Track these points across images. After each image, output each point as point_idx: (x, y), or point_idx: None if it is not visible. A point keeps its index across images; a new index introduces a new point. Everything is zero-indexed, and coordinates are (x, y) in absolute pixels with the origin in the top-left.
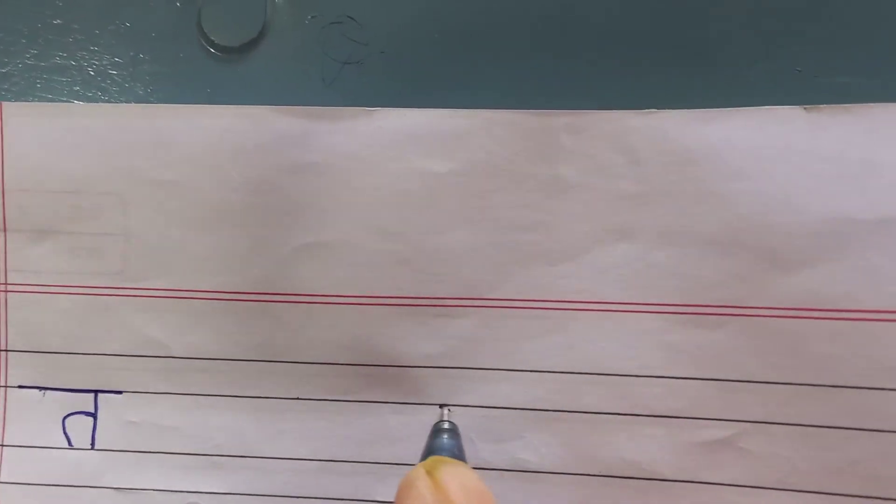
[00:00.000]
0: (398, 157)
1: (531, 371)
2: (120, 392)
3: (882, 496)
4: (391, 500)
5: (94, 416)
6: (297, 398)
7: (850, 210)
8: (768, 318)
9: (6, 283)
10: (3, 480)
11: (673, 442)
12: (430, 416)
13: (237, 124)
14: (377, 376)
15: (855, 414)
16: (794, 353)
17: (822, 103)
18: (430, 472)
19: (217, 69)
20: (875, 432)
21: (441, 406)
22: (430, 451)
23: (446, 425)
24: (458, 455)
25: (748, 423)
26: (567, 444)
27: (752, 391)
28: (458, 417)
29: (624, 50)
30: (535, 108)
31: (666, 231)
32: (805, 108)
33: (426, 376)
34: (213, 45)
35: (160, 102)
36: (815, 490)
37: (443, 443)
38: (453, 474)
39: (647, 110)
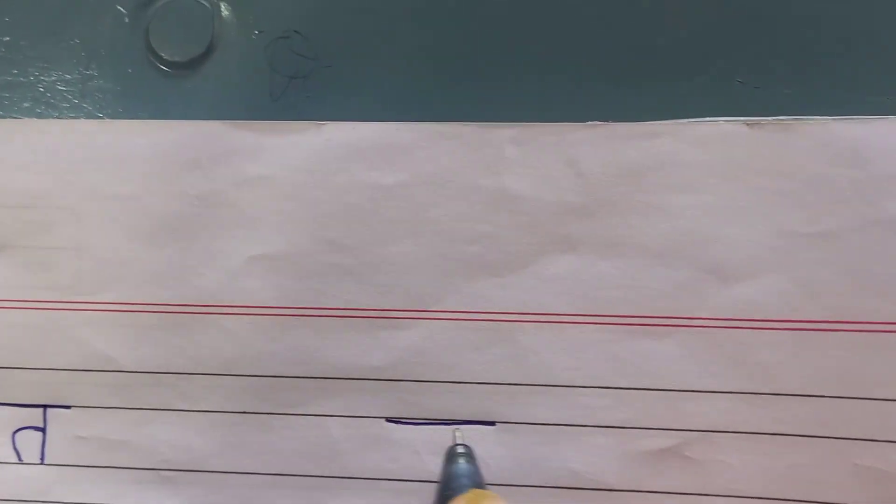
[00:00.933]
0: (346, 170)
1: (477, 383)
2: (69, 407)
3: (822, 500)
4: None
5: (43, 430)
6: (245, 412)
7: (790, 224)
8: (711, 329)
9: None
10: None
11: (619, 451)
12: (376, 429)
13: (189, 138)
14: (324, 389)
15: (794, 421)
16: (737, 363)
17: (764, 114)
18: None
19: (166, 85)
20: (814, 438)
21: (454, 429)
22: (448, 476)
23: (461, 449)
24: (478, 479)
25: (692, 432)
26: (514, 456)
27: (697, 400)
28: (404, 430)
29: (569, 63)
30: (481, 120)
31: (611, 243)
32: (747, 125)
33: (373, 388)
34: (161, 60)
35: (110, 118)
36: (758, 496)
37: (461, 468)
38: None
39: (591, 122)
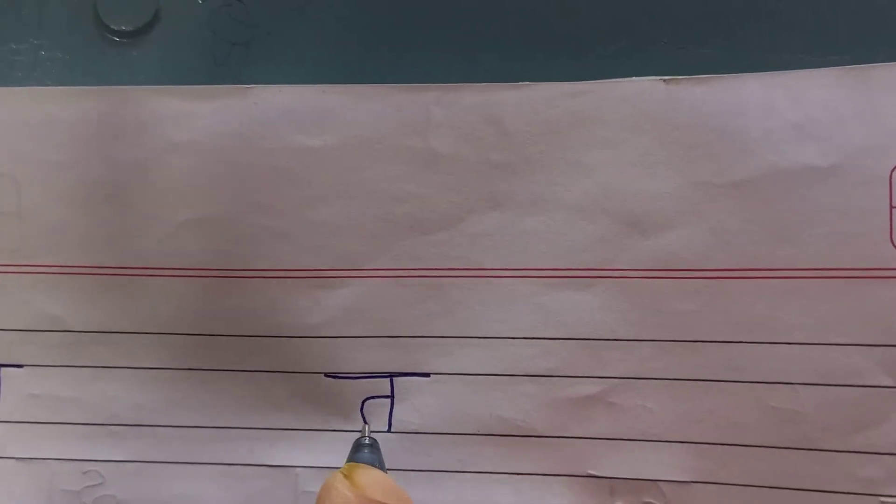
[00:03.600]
0: (274, 134)
1: (410, 337)
2: (21, 366)
3: (738, 443)
4: (281, 463)
5: None
6: (189, 368)
7: (704, 175)
8: (631, 280)
9: None
10: None
11: (546, 399)
12: (315, 384)
13: (120, 105)
14: (262, 347)
15: (712, 367)
16: (656, 312)
17: (688, 73)
18: (347, 476)
19: (113, 53)
20: (730, 383)
21: (364, 425)
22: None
23: (367, 440)
24: (381, 468)
25: (616, 379)
26: (447, 405)
27: (619, 348)
28: (342, 385)
29: (495, 25)
30: (410, 82)
31: (535, 199)
32: (664, 80)
33: (309, 346)
34: (108, 30)
35: (57, 86)
36: (678, 440)
37: (364, 457)
38: (369, 476)
39: (514, 83)
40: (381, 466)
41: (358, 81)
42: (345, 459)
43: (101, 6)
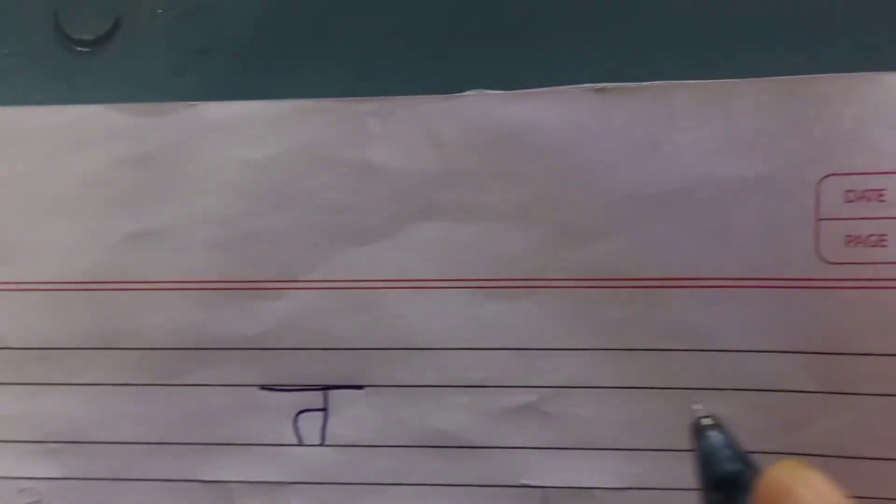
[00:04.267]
0: (217, 147)
1: (346, 349)
2: None
3: (670, 448)
4: (215, 479)
5: None
6: (127, 384)
7: (636, 185)
8: (565, 289)
9: None
10: None
11: (481, 409)
12: (250, 397)
13: (72, 123)
14: (200, 359)
15: (644, 374)
16: (589, 320)
17: (642, 79)
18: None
19: (73, 62)
20: (660, 390)
21: (693, 403)
22: (709, 450)
23: (710, 420)
24: (738, 448)
25: (550, 388)
26: (382, 417)
27: (553, 357)
28: (276, 398)
29: (437, 34)
30: (365, 94)
31: (469, 209)
32: (595, 89)
33: (245, 358)
34: (68, 38)
35: (19, 95)
36: (611, 447)
37: (716, 441)
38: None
39: (448, 95)
40: (741, 448)
41: (314, 89)
42: (281, 474)
43: (62, 15)
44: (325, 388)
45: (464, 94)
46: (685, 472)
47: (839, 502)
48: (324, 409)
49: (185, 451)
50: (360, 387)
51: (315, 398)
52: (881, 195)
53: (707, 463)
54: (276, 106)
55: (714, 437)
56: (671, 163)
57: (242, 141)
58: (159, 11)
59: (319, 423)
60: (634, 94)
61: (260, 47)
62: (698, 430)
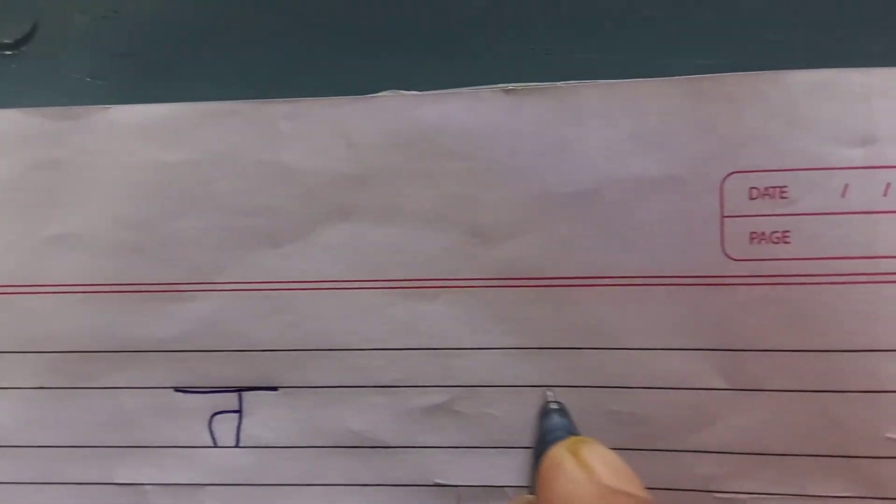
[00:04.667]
0: (132, 150)
1: (260, 350)
2: None
3: None
4: (130, 481)
5: None
6: (42, 387)
7: (547, 185)
8: (477, 288)
9: None
10: None
11: (395, 410)
12: (165, 399)
13: None
14: (116, 362)
15: (556, 372)
16: (502, 319)
17: (555, 79)
18: (573, 452)
19: None
20: (573, 388)
21: (545, 389)
22: (544, 431)
23: (555, 405)
24: (574, 431)
25: (462, 388)
26: (297, 418)
27: (465, 357)
28: (191, 400)
29: (360, 35)
30: (279, 96)
31: (383, 210)
32: (505, 91)
33: (160, 360)
34: None
35: None
36: (523, 445)
37: (556, 422)
38: (596, 453)
39: (361, 96)
40: (575, 429)
41: (237, 94)
42: (195, 476)
43: None
44: (240, 389)
45: (377, 94)
46: None
47: (605, 474)
48: (238, 411)
49: (101, 453)
50: (274, 388)
51: (230, 400)
52: (783, 192)
53: (541, 440)
54: (188, 108)
55: (554, 419)
56: (580, 163)
57: (156, 144)
58: (77, 15)
59: (234, 424)
60: (544, 94)
61: (176, 50)
62: (544, 412)
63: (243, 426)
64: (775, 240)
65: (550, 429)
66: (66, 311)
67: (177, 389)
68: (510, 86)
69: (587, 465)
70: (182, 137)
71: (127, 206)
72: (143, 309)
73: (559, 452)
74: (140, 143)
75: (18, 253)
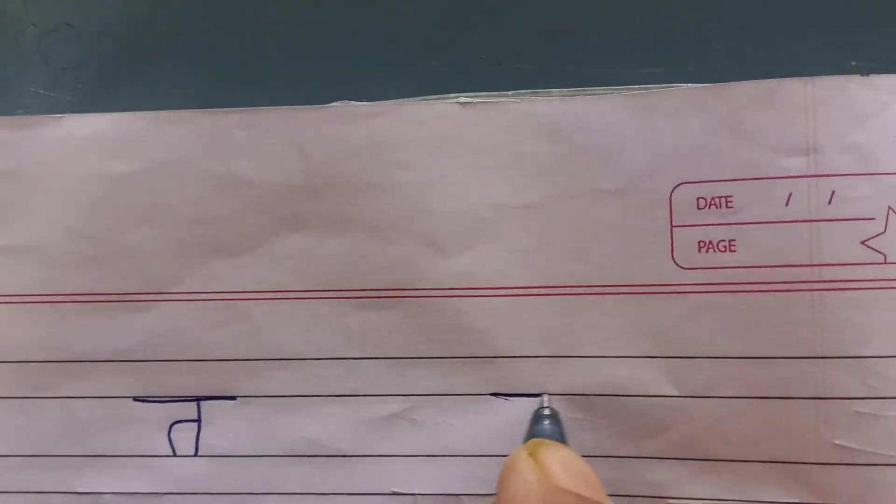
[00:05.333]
0: (84, 161)
1: (217, 360)
2: None
3: None
4: (89, 490)
5: None
6: (1, 397)
7: (499, 197)
8: (432, 299)
9: None
10: None
11: (351, 419)
12: (123, 408)
13: None
14: (72, 372)
15: (510, 381)
16: (456, 329)
17: (506, 89)
18: (531, 454)
19: None
20: (527, 397)
21: (543, 394)
22: (531, 436)
23: (547, 412)
24: (561, 440)
25: (418, 397)
26: (254, 428)
27: (421, 366)
28: (149, 409)
29: (313, 44)
30: (231, 105)
31: (336, 220)
32: (460, 103)
33: (119, 370)
34: None
35: None
36: (479, 453)
37: (544, 429)
38: (555, 455)
39: (313, 105)
40: (563, 438)
41: (190, 104)
42: (155, 485)
43: None
44: (198, 399)
45: (330, 105)
46: None
47: (559, 475)
48: (197, 420)
49: (60, 463)
50: (232, 397)
51: (188, 409)
52: (729, 202)
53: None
54: (141, 117)
55: (544, 426)
56: (534, 175)
57: (109, 154)
58: (32, 26)
59: (193, 433)
60: (497, 108)
61: (128, 62)
62: (536, 417)
63: (202, 435)
64: (722, 248)
65: (537, 435)
66: (20, 321)
67: (135, 399)
68: (462, 97)
69: (543, 465)
70: (135, 147)
71: (81, 217)
72: (98, 320)
73: (518, 454)
74: (93, 153)
75: None
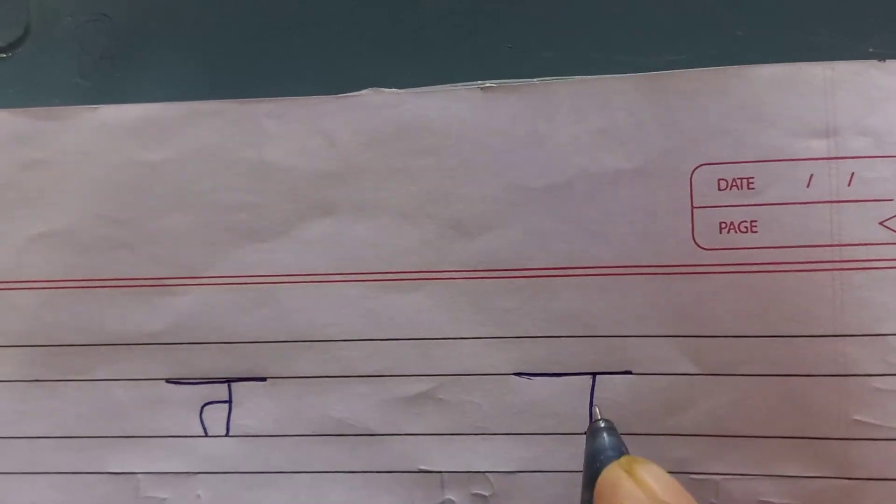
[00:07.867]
0: (118, 149)
1: (247, 342)
2: None
3: (559, 432)
4: (122, 470)
5: None
6: (35, 380)
7: (520, 179)
8: (456, 280)
9: None
10: None
11: (378, 399)
12: (156, 390)
13: None
14: (107, 355)
15: (533, 361)
16: (480, 310)
17: (530, 76)
18: (628, 472)
19: None
20: (551, 377)
21: (593, 406)
22: (594, 451)
23: (603, 423)
24: (623, 450)
25: (444, 376)
26: (284, 408)
27: (446, 346)
28: (181, 391)
29: (341, 35)
30: (261, 95)
31: (363, 205)
32: (482, 88)
33: (152, 352)
34: None
35: None
36: (503, 432)
37: (606, 441)
38: (647, 471)
39: (341, 95)
40: (625, 447)
41: (221, 94)
42: (187, 465)
43: None
44: (229, 380)
45: (357, 93)
46: (573, 454)
47: (662, 492)
48: (228, 401)
49: (93, 444)
50: (262, 379)
51: (220, 390)
52: (751, 183)
53: (590, 462)
54: (174, 108)
55: (604, 438)
56: (553, 157)
57: (143, 143)
58: (68, 17)
59: (224, 414)
60: (517, 91)
61: (162, 52)
62: (593, 432)
63: (233, 416)
64: (743, 229)
65: (600, 449)
66: (55, 305)
67: (168, 381)
68: (485, 83)
69: (644, 483)
70: (168, 136)
71: (115, 204)
72: (132, 304)
73: (615, 472)
74: (127, 142)
75: (7, 251)
